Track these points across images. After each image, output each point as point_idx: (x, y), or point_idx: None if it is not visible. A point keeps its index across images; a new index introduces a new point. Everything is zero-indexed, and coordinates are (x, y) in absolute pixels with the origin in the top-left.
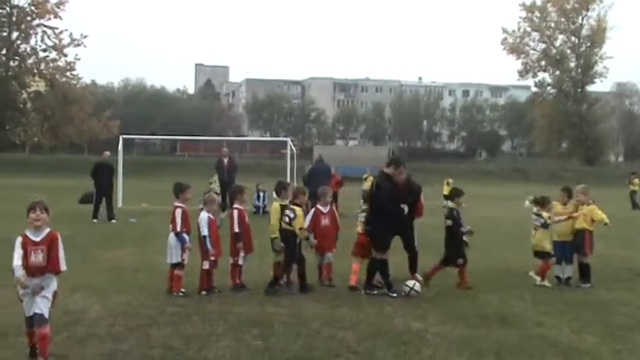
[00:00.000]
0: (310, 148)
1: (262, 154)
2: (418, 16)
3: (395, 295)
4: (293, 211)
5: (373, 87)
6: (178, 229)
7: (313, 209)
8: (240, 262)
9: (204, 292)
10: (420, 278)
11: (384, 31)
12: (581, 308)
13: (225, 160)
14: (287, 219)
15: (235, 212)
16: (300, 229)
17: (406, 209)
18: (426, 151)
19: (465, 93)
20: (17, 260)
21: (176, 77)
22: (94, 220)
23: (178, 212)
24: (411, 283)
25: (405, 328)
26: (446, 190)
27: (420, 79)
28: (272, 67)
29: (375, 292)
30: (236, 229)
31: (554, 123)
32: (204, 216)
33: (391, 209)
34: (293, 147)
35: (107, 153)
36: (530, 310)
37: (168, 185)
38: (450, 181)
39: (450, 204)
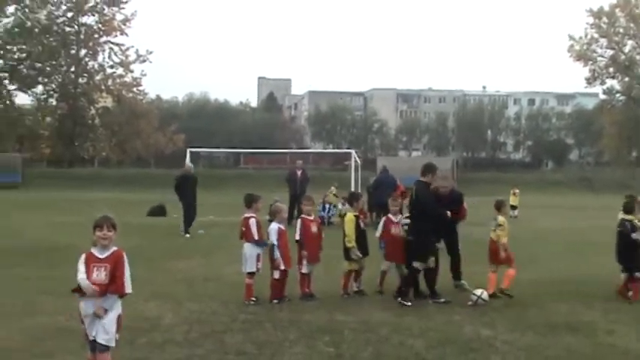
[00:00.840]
0: (373, 160)
1: (324, 165)
2: (482, 24)
3: (409, 304)
4: None
5: (436, 97)
6: (256, 237)
7: (384, 218)
8: (304, 270)
9: (275, 301)
10: (464, 283)
11: (448, 40)
12: None
13: (299, 173)
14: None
15: (299, 221)
16: None
17: (449, 214)
18: (491, 160)
19: (531, 102)
20: (81, 274)
21: (239, 91)
22: (187, 235)
23: (253, 222)
24: (478, 291)
25: (474, 335)
26: (512, 200)
27: (484, 88)
28: (334, 79)
29: (442, 300)
30: (297, 237)
31: (624, 130)
32: (274, 226)
33: (434, 214)
34: (357, 158)
35: (190, 165)
36: (600, 319)
37: (233, 198)
38: (517, 191)
39: (623, 216)
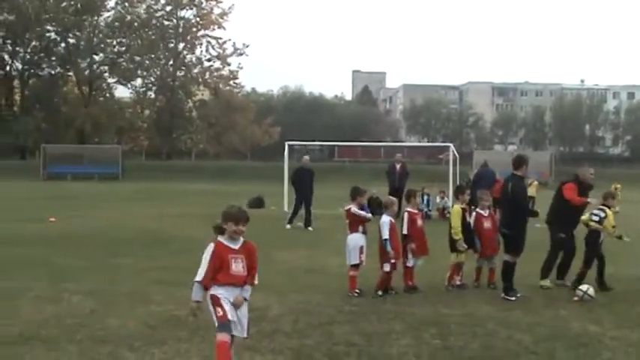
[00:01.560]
0: (468, 153)
1: (419, 159)
2: (581, 16)
3: (514, 298)
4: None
5: (533, 90)
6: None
7: (474, 214)
8: (409, 264)
9: (379, 293)
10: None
11: (545, 32)
12: None
13: (398, 166)
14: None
15: (406, 215)
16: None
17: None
18: (589, 155)
19: (630, 95)
20: (201, 275)
21: (333, 84)
22: (288, 226)
23: (356, 211)
24: (584, 287)
25: (582, 331)
26: None
27: (582, 81)
28: (429, 73)
29: (519, 295)
30: (404, 231)
31: None
32: (385, 219)
33: (525, 209)
34: (455, 152)
35: (307, 157)
36: None
37: (329, 190)
38: (618, 186)
39: None
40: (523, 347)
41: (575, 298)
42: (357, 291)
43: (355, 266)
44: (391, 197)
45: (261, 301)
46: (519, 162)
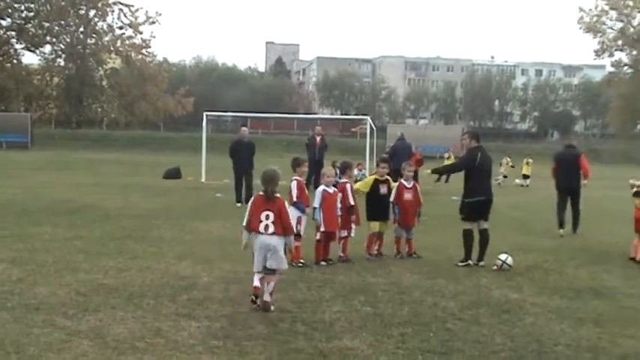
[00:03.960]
0: (381, 127)
1: (333, 132)
2: None
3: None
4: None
5: (445, 66)
6: (295, 199)
7: (397, 184)
8: (353, 234)
9: (323, 263)
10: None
11: (456, 8)
12: None
13: (318, 139)
14: None
15: (349, 185)
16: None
17: None
18: (498, 130)
19: (538, 72)
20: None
21: (247, 55)
22: (238, 204)
23: (294, 184)
24: (503, 256)
25: (504, 298)
26: (525, 170)
27: (492, 58)
28: (342, 46)
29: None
30: (352, 202)
31: (630, 103)
32: (319, 189)
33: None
34: (373, 124)
35: (245, 129)
36: (621, 285)
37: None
38: (530, 160)
39: None
40: (449, 314)
41: (495, 267)
42: (301, 261)
43: (297, 236)
44: (330, 167)
45: (190, 270)
46: (475, 135)
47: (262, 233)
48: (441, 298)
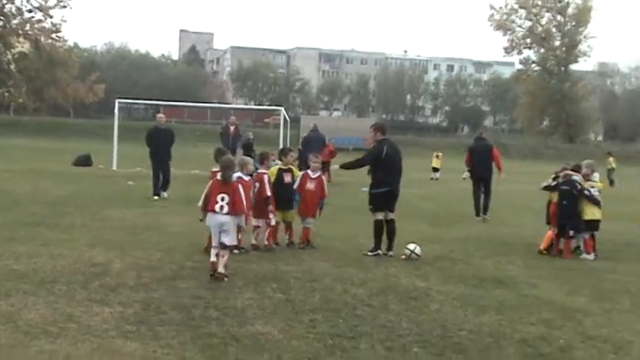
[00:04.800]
0: (295, 118)
1: (247, 122)
2: None
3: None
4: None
5: (358, 59)
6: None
7: (302, 172)
8: (273, 223)
9: (236, 252)
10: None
11: (371, 2)
12: (570, 274)
13: (232, 128)
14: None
15: (266, 177)
16: None
17: None
18: (409, 124)
19: (450, 68)
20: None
21: (160, 43)
22: (155, 198)
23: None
24: (412, 246)
25: (411, 286)
26: (435, 163)
27: (405, 52)
28: (257, 36)
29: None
30: (269, 193)
31: (537, 100)
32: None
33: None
34: (287, 115)
35: (162, 116)
36: (523, 274)
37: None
38: (440, 154)
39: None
40: (359, 300)
41: (403, 257)
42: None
43: None
44: (246, 157)
45: (103, 257)
46: (385, 128)
47: (217, 212)
48: (351, 285)
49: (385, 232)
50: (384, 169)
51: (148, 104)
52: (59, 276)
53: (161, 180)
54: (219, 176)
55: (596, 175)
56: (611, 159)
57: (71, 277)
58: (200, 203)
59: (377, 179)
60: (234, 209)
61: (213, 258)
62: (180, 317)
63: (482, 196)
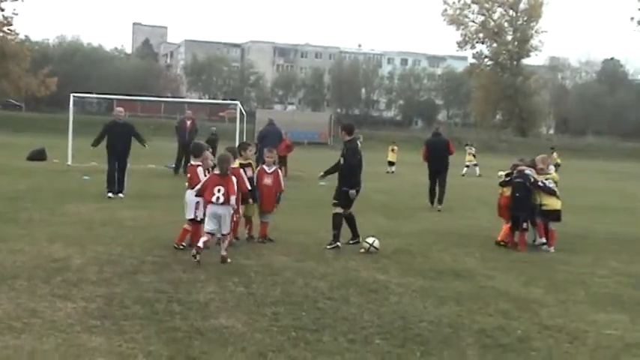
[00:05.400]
0: (250, 112)
1: (202, 116)
2: None
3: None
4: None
5: (313, 52)
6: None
7: (258, 168)
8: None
9: (177, 245)
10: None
11: None
12: (525, 265)
13: (188, 123)
14: None
15: (242, 170)
16: None
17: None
18: (364, 118)
19: (404, 62)
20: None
21: (113, 36)
22: (109, 195)
23: (200, 170)
24: (370, 240)
25: (371, 279)
26: (391, 157)
27: (359, 46)
28: (211, 29)
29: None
30: (249, 186)
31: (490, 94)
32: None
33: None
34: (243, 110)
35: (121, 109)
36: (480, 266)
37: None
38: (395, 148)
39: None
40: (320, 293)
41: (362, 250)
42: (182, 244)
43: (191, 221)
44: (227, 152)
45: (62, 252)
46: (353, 128)
47: (214, 203)
48: (312, 278)
49: (347, 224)
50: (356, 169)
51: (102, 98)
52: (20, 271)
53: (116, 179)
54: (216, 170)
55: (551, 168)
56: (555, 154)
57: (32, 273)
58: (193, 194)
59: (349, 178)
60: (229, 200)
61: (201, 244)
62: (143, 311)
63: (437, 188)
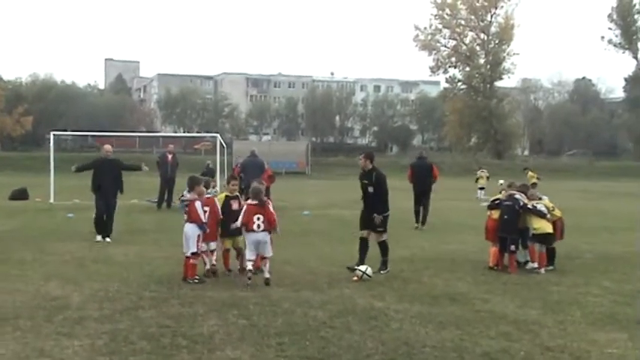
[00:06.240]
0: (227, 143)
1: (176, 149)
2: (330, 12)
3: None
4: None
5: (286, 82)
6: (204, 219)
7: (245, 205)
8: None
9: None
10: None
11: (296, 26)
12: (518, 287)
13: (170, 157)
14: None
15: (215, 199)
16: None
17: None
18: (339, 145)
19: (377, 88)
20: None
21: (86, 72)
22: (97, 238)
23: (199, 205)
24: (363, 267)
25: (369, 306)
26: (482, 182)
27: (332, 74)
28: (184, 63)
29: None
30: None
31: (465, 118)
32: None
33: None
34: (223, 142)
35: (108, 147)
36: (474, 290)
37: (88, 181)
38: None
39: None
40: (321, 322)
41: (355, 278)
42: (196, 278)
43: (194, 254)
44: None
45: (59, 290)
46: (374, 156)
47: (255, 231)
48: (310, 308)
49: (362, 249)
50: (387, 194)
51: (79, 135)
52: (21, 311)
53: (104, 220)
54: (250, 201)
55: (544, 198)
56: (530, 173)
57: (33, 312)
58: (238, 224)
59: (387, 203)
60: (268, 226)
61: (249, 267)
62: (150, 347)
63: (421, 209)
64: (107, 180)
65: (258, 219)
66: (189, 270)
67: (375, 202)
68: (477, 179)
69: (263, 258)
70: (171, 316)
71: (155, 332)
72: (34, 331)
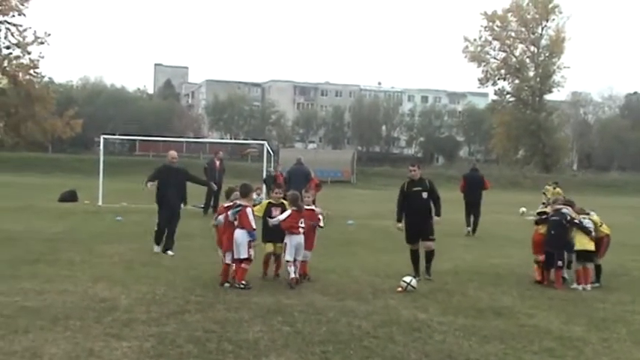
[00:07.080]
0: (274, 151)
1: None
2: (379, 21)
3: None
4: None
5: (333, 91)
6: (254, 226)
7: (290, 210)
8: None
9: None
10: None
11: (345, 35)
12: (564, 303)
13: (218, 163)
14: None
15: (249, 209)
16: None
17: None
18: (385, 155)
19: (424, 99)
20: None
21: (135, 77)
22: (155, 249)
23: (249, 211)
24: (408, 279)
25: (412, 317)
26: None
27: (379, 83)
28: (232, 69)
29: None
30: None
31: (513, 130)
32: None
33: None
34: (270, 149)
35: (173, 153)
36: (519, 304)
37: (137, 184)
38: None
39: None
40: (364, 332)
41: (399, 289)
42: (243, 283)
43: (246, 260)
44: (296, 192)
45: (108, 292)
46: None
47: (298, 234)
48: (354, 317)
49: (416, 260)
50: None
51: (128, 139)
52: (70, 312)
53: (166, 233)
54: (293, 208)
55: (592, 213)
56: (558, 189)
57: (83, 313)
58: (275, 221)
59: (441, 206)
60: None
61: (292, 272)
62: (197, 350)
63: (472, 217)
64: (171, 190)
65: (301, 222)
66: (239, 273)
67: (430, 207)
68: (544, 193)
69: (302, 261)
70: (217, 320)
71: (201, 336)
72: (83, 332)
